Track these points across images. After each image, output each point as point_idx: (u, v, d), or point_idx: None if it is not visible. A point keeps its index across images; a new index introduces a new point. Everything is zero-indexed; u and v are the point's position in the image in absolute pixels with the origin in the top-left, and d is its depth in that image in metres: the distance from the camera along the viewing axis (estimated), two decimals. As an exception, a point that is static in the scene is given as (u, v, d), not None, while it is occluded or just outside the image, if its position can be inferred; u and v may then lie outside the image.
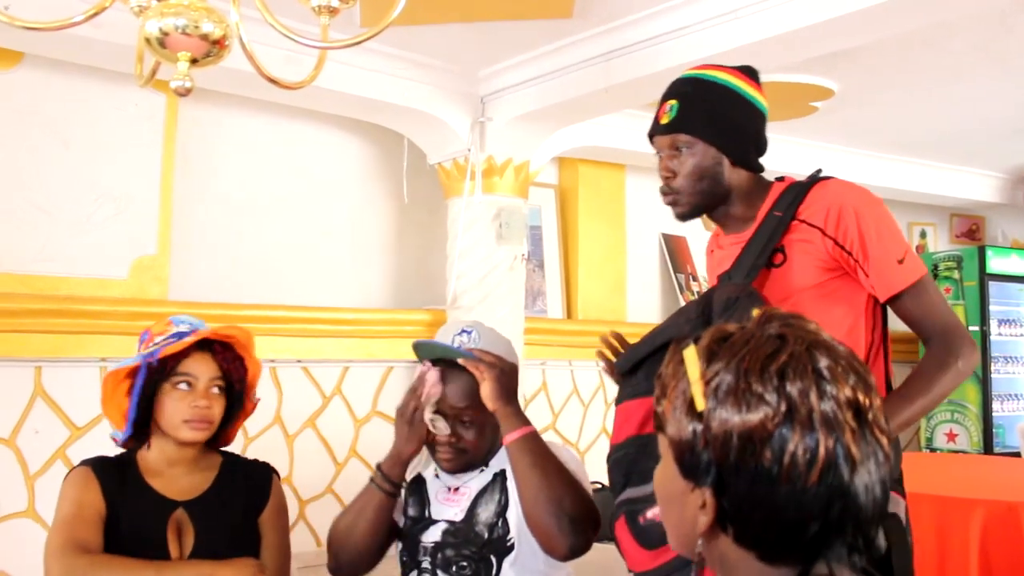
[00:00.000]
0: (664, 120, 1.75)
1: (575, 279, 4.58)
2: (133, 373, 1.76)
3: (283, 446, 3.59)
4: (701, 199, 1.76)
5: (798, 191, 1.72)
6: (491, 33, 3.25)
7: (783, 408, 0.82)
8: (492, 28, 3.19)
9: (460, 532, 1.88)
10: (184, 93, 1.19)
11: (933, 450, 5.40)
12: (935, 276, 5.50)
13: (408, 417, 1.88)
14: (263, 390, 3.55)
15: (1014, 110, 4.25)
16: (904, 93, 3.97)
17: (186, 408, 1.78)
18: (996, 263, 5.53)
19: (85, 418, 3.16)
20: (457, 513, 1.90)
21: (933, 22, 2.89)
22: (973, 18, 3.08)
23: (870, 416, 0.85)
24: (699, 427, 0.85)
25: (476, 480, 1.94)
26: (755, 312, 1.18)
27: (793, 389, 0.83)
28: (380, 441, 3.86)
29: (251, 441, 3.49)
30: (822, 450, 0.82)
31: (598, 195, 4.69)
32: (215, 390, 1.82)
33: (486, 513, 1.89)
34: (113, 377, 1.76)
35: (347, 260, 3.95)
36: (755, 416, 0.83)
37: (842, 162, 4.93)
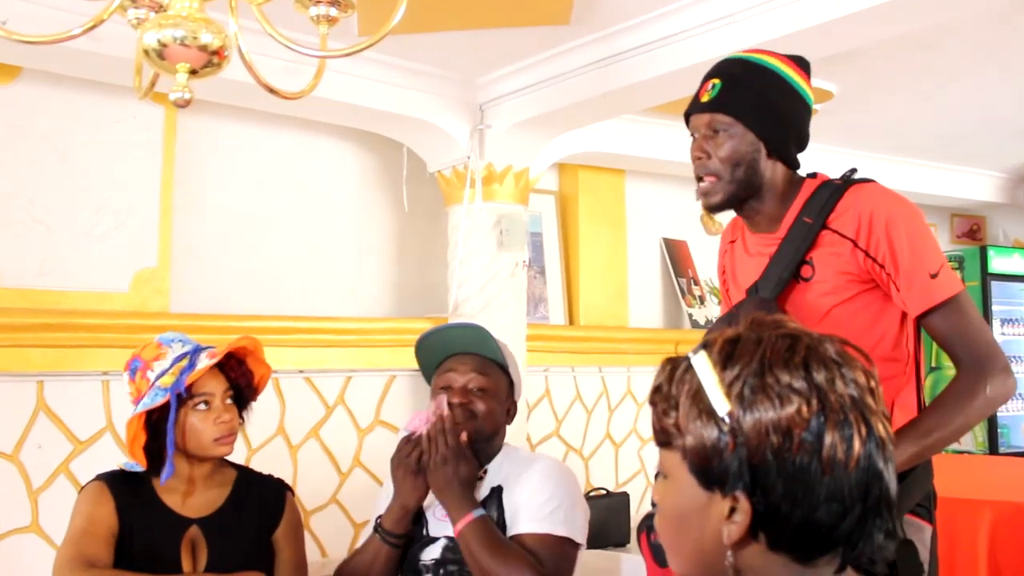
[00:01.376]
0: (705, 98, 1.65)
1: (576, 285, 4.58)
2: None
3: (286, 456, 3.58)
4: (736, 188, 1.65)
5: (830, 195, 1.63)
6: (489, 40, 3.24)
7: (815, 397, 0.83)
8: (490, 35, 3.19)
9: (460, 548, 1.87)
10: (184, 104, 1.18)
11: (938, 451, 5.38)
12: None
13: (412, 466, 1.87)
14: (266, 401, 3.57)
15: (1014, 110, 4.24)
16: (904, 94, 3.97)
17: (211, 427, 1.80)
18: (998, 263, 5.53)
19: (88, 432, 3.15)
20: None
21: (932, 23, 2.89)
22: (973, 19, 3.07)
23: (880, 404, 0.86)
24: (724, 431, 0.84)
25: None
26: None
27: (820, 377, 0.83)
28: (384, 450, 3.84)
29: (255, 452, 3.49)
30: (856, 435, 0.82)
31: (598, 200, 4.69)
32: (228, 401, 1.84)
33: None
34: (138, 419, 1.76)
35: (348, 269, 3.95)
36: (790, 408, 0.82)
37: (842, 164, 4.86)
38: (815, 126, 4.68)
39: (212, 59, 1.19)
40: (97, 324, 3.14)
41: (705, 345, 0.89)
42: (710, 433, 0.85)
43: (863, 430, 0.83)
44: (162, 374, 1.75)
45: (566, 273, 4.59)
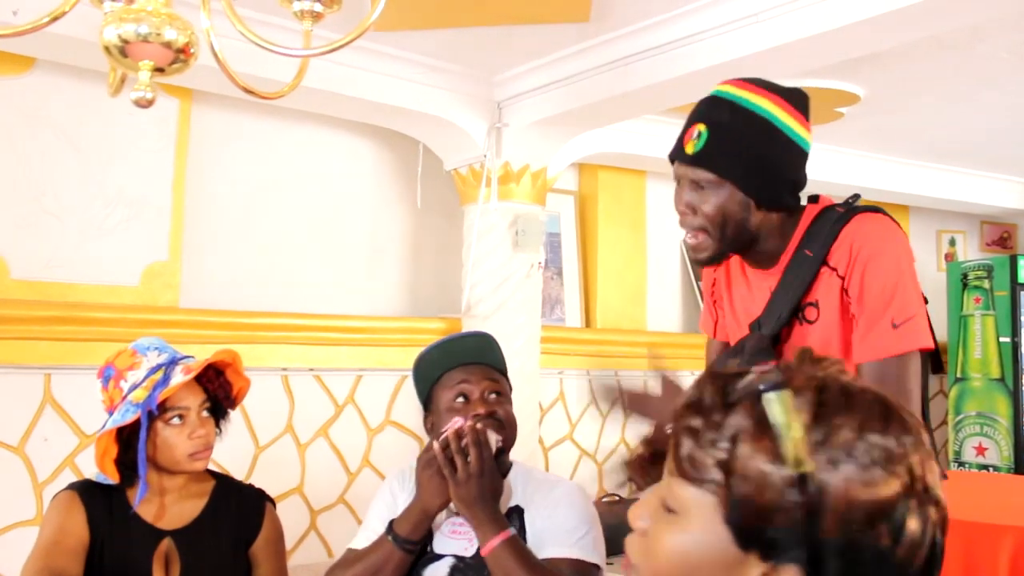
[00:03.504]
0: (689, 149, 1.51)
1: (594, 287, 4.51)
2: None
3: (295, 455, 3.55)
4: (725, 245, 1.54)
5: (831, 226, 1.51)
6: (507, 37, 3.18)
7: (907, 476, 0.71)
8: (508, 32, 3.13)
9: (472, 569, 1.76)
10: (146, 105, 1.12)
11: (962, 464, 5.26)
12: (964, 286, 5.36)
13: (438, 467, 1.72)
14: (275, 398, 3.52)
15: (1047, 116, 4.12)
16: (933, 98, 3.86)
17: (186, 442, 1.71)
18: (1028, 273, 5.38)
19: (94, 426, 3.09)
20: (467, 548, 1.78)
21: (962, 25, 2.79)
22: (1003, 21, 2.97)
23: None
24: (797, 492, 0.71)
25: None
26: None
27: (915, 457, 0.72)
28: (393, 451, 3.82)
29: (262, 450, 3.45)
30: (931, 526, 0.72)
31: (618, 202, 4.62)
32: (204, 413, 1.76)
33: None
34: (108, 435, 1.70)
35: (361, 267, 3.90)
36: (884, 483, 0.71)
37: (869, 169, 4.82)
38: (841, 129, 4.57)
39: (178, 56, 1.12)
40: (106, 318, 3.12)
41: (783, 383, 0.75)
42: (777, 489, 0.72)
43: (936, 518, 0.73)
44: (135, 387, 1.69)
45: (583, 275, 4.52)
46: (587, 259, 4.55)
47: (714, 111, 1.52)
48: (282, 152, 3.71)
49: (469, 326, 3.67)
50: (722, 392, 0.76)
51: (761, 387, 0.74)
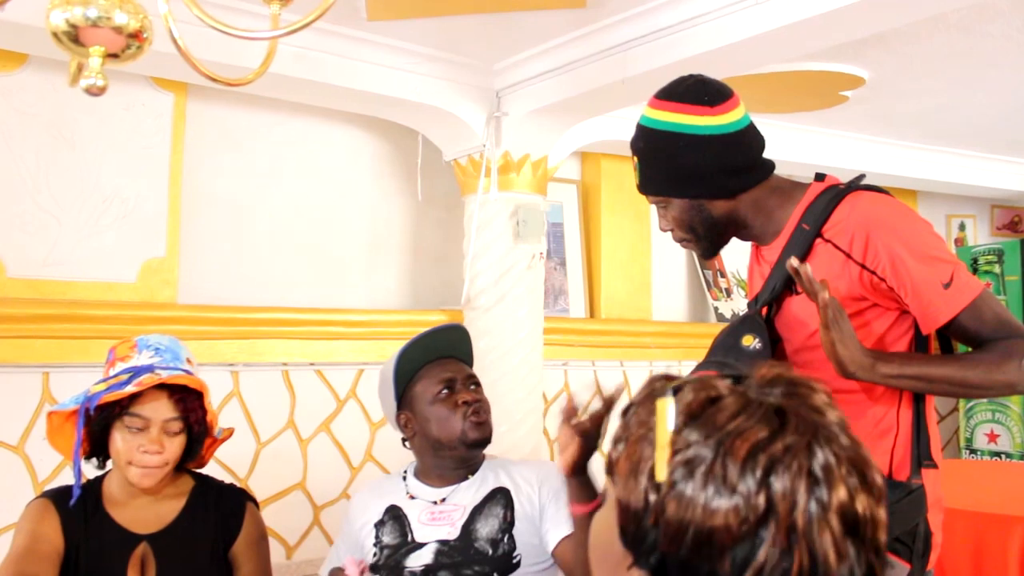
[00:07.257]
0: (636, 181, 1.69)
1: (598, 277, 4.46)
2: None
3: (296, 451, 3.52)
4: (708, 242, 1.67)
5: (828, 203, 1.55)
6: (505, 25, 3.14)
7: (761, 510, 0.65)
8: (505, 20, 3.08)
9: (457, 550, 1.78)
10: (98, 93, 1.07)
11: (974, 451, 5.21)
12: (975, 271, 5.30)
13: None
14: (276, 394, 3.49)
15: (1057, 96, 4.05)
16: (940, 80, 3.80)
17: (132, 451, 1.66)
18: (1040, 256, 5.31)
19: (94, 424, 3.11)
20: (450, 531, 1.80)
21: (970, 4, 2.73)
22: (1013, 0, 2.91)
23: (868, 531, 0.68)
24: (654, 499, 0.69)
25: (463, 494, 1.86)
26: (745, 340, 1.05)
27: (778, 487, 0.66)
28: (396, 444, 3.76)
29: (264, 446, 3.43)
30: (795, 569, 0.65)
31: (622, 190, 4.56)
32: (175, 432, 1.69)
33: (487, 529, 1.81)
34: (57, 416, 1.67)
35: (361, 260, 3.87)
36: (722, 512, 0.66)
37: (875, 153, 4.76)
38: (846, 113, 4.49)
39: (131, 42, 1.07)
40: (104, 315, 3.09)
41: (682, 388, 0.73)
42: (639, 493, 0.70)
43: (806, 563, 0.65)
44: (105, 379, 1.66)
45: (587, 265, 4.48)
46: (591, 249, 4.50)
47: (637, 141, 1.67)
48: (280, 146, 3.67)
49: (470, 318, 3.63)
50: (647, 395, 0.76)
51: (669, 390, 0.73)
